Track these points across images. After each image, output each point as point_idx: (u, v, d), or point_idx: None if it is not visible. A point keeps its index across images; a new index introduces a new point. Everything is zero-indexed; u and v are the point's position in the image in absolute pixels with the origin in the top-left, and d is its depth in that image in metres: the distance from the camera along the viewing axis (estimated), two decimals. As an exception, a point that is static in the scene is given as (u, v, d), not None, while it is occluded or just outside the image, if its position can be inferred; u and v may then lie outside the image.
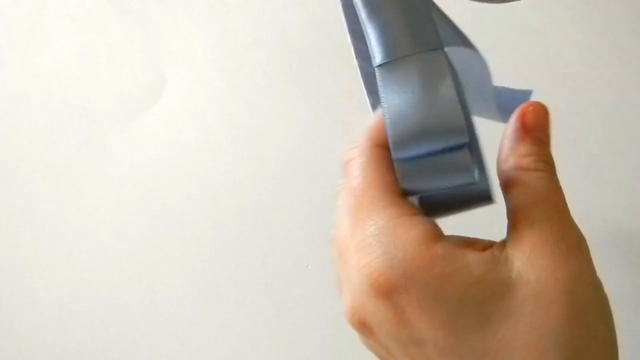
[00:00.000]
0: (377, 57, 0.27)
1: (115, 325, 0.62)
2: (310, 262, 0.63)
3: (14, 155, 0.71)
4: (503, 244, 0.28)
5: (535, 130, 0.31)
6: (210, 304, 0.62)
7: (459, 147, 0.26)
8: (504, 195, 0.30)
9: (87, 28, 0.77)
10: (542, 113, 0.31)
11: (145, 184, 0.68)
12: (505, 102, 0.36)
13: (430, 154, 0.27)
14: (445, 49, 0.27)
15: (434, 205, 0.29)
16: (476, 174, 0.27)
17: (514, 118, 0.31)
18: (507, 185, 0.30)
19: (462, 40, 0.29)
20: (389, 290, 0.26)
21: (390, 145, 0.27)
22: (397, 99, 0.27)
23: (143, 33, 0.77)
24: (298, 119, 0.69)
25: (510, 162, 0.30)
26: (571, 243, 0.27)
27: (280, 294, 0.62)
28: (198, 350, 0.61)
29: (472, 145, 0.27)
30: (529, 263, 0.26)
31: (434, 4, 0.29)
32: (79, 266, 0.64)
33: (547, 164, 0.30)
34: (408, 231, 0.27)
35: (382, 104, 0.27)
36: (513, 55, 0.69)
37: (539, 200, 0.28)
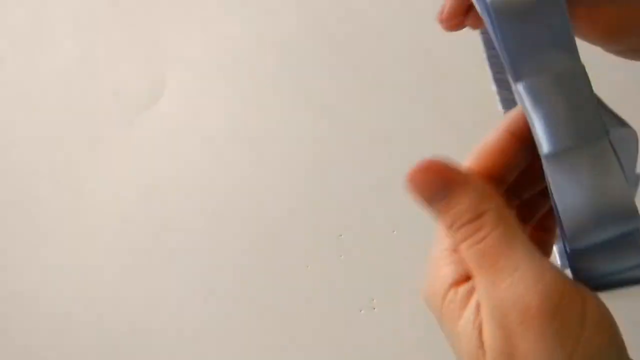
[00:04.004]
0: (544, 147, 0.28)
1: (115, 324, 0.62)
2: (310, 262, 0.63)
3: (14, 155, 0.71)
4: None
5: (431, 201, 0.28)
6: (209, 303, 0.62)
7: (632, 231, 0.27)
8: None
9: (87, 28, 0.77)
10: (421, 181, 0.28)
11: (144, 183, 0.68)
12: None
13: (605, 242, 0.28)
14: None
15: (603, 285, 0.30)
16: None
17: None
18: None
19: (619, 121, 0.30)
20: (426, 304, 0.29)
21: (567, 238, 0.28)
22: (567, 190, 0.28)
23: (143, 33, 0.77)
24: (297, 119, 0.69)
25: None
26: (514, 323, 0.25)
27: (280, 294, 0.62)
28: (198, 349, 0.61)
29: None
30: (489, 341, 0.26)
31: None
32: (79, 266, 0.64)
33: (462, 230, 0.27)
34: (438, 272, 0.29)
35: (553, 195, 0.28)
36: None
37: (476, 281, 0.27)
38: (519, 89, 0.28)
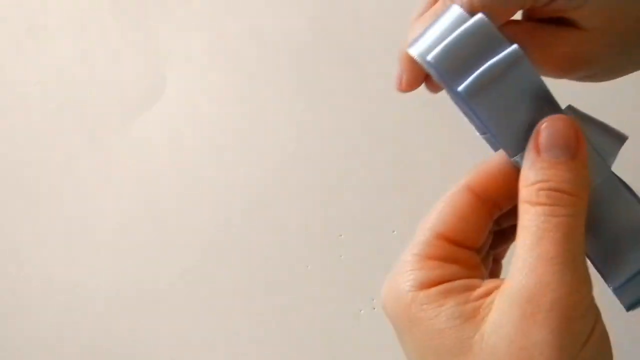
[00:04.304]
0: None
1: (115, 323, 0.62)
2: (310, 262, 0.63)
3: (14, 155, 0.71)
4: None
5: (549, 149, 0.27)
6: (209, 303, 0.62)
7: None
8: None
9: (87, 28, 0.77)
10: (559, 126, 0.27)
11: (145, 183, 0.68)
12: None
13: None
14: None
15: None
16: None
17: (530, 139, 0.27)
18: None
19: (618, 136, 0.30)
20: (387, 315, 0.29)
21: (606, 281, 0.28)
22: (592, 238, 0.28)
23: (143, 33, 0.77)
24: (297, 119, 0.69)
25: (520, 193, 0.27)
26: (542, 307, 0.24)
27: (280, 294, 0.62)
28: (197, 349, 0.61)
29: None
30: (494, 326, 0.25)
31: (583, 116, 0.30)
32: (79, 265, 0.64)
33: (553, 193, 0.26)
34: (407, 276, 0.28)
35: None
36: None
37: (525, 250, 0.26)
38: (518, 160, 0.28)
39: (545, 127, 0.27)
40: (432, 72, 0.29)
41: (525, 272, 0.25)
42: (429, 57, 0.28)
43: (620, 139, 0.29)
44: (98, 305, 0.63)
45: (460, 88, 0.27)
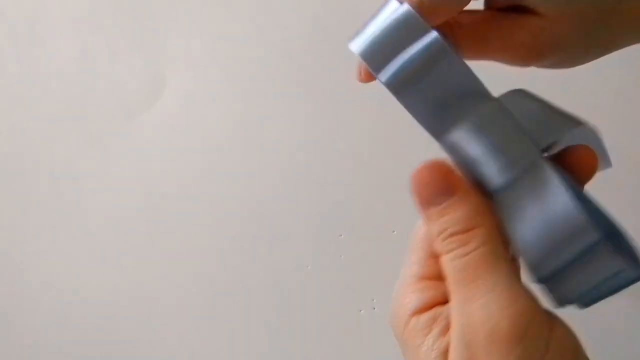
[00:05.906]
0: (489, 186, 0.28)
1: (115, 325, 0.62)
2: (310, 262, 0.63)
3: (14, 155, 0.71)
4: None
5: (430, 200, 0.27)
6: (210, 303, 0.63)
7: (592, 245, 0.26)
8: None
9: (87, 28, 0.77)
10: (424, 176, 0.28)
11: (145, 183, 0.68)
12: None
13: (569, 262, 0.27)
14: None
15: (593, 299, 0.29)
16: (622, 259, 0.27)
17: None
18: None
19: (573, 122, 0.29)
20: (392, 331, 0.30)
21: (527, 270, 0.28)
22: (516, 224, 0.27)
23: (143, 33, 0.77)
24: (298, 119, 0.69)
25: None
26: (479, 344, 0.25)
27: (280, 294, 0.62)
28: (198, 350, 0.61)
29: (611, 234, 0.27)
30: None
31: (529, 95, 0.29)
32: (79, 265, 0.64)
33: (453, 239, 0.27)
34: (405, 298, 0.29)
35: (507, 232, 0.28)
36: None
37: (451, 292, 0.26)
38: (442, 146, 0.28)
39: (415, 185, 0.28)
40: (363, 63, 0.29)
41: (458, 314, 0.26)
42: (355, 49, 0.28)
43: (571, 123, 0.29)
44: (97, 307, 0.63)
45: (384, 79, 0.28)
